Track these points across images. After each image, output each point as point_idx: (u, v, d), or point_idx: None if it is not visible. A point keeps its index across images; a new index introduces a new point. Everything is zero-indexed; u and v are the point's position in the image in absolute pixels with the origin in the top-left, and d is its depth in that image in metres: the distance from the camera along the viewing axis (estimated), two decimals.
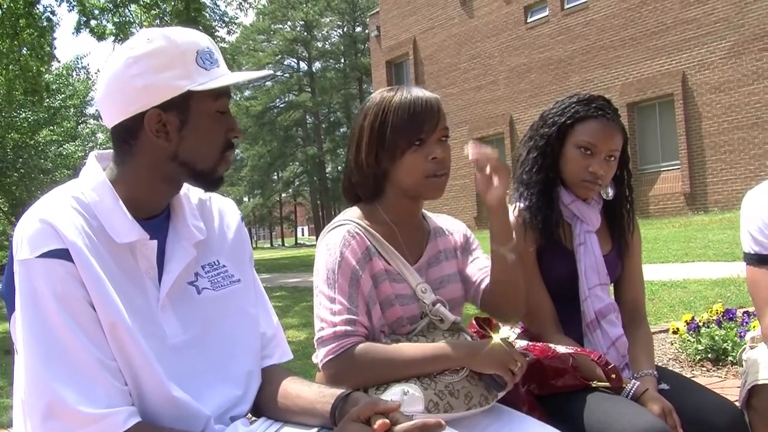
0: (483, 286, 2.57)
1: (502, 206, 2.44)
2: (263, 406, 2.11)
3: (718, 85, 23.27)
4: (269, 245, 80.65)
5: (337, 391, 1.95)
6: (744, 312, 5.91)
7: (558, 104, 3.05)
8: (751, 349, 3.06)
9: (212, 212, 2.17)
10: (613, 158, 2.95)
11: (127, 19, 22.61)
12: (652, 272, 10.72)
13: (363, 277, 2.36)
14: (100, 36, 22.37)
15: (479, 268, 2.62)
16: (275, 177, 72.25)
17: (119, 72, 1.91)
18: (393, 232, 2.49)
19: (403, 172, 2.44)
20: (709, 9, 23.43)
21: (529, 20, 29.70)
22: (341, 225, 2.45)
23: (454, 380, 2.25)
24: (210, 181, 2.03)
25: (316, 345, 2.33)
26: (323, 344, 2.30)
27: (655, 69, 24.93)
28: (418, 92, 2.47)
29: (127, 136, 1.94)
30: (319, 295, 2.37)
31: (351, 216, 2.50)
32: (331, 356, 2.27)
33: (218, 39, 25.82)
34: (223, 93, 1.98)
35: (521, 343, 2.68)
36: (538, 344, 2.67)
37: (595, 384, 2.66)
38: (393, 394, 2.15)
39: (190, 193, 2.13)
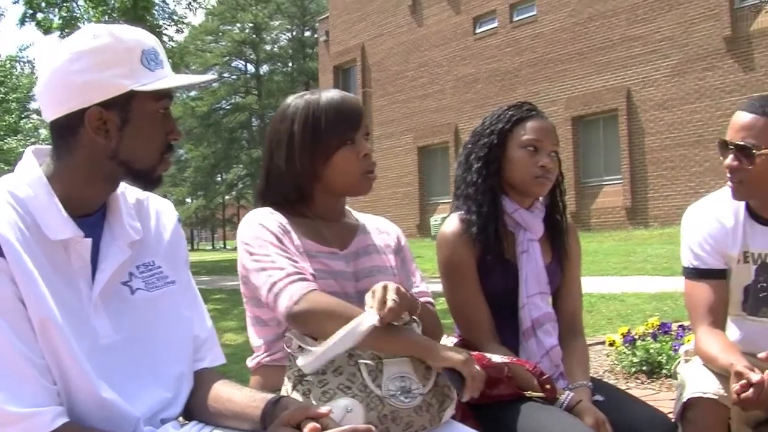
0: None
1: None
2: (194, 409, 2.08)
3: (661, 102, 23.60)
4: (211, 247, 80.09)
5: (268, 396, 1.94)
6: (679, 326, 6.01)
7: (488, 118, 3.09)
8: (686, 362, 3.10)
9: (149, 212, 2.15)
10: (554, 154, 2.99)
11: (75, 14, 22.45)
12: (591, 284, 10.83)
13: (287, 240, 2.40)
14: (47, 30, 22.21)
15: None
16: (219, 179, 71.74)
17: (62, 66, 1.89)
18: (316, 224, 2.53)
19: (337, 172, 2.50)
20: (655, 27, 23.76)
21: (477, 31, 29.87)
22: (261, 209, 2.53)
23: (402, 407, 2.19)
24: (149, 181, 2.02)
25: (272, 300, 2.28)
26: (281, 292, 2.26)
27: (600, 84, 25.20)
28: (342, 93, 2.57)
29: (66, 132, 1.92)
30: (255, 263, 2.36)
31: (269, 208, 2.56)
32: (291, 300, 2.23)
33: (166, 38, 25.67)
34: (165, 94, 1.97)
35: None
36: (474, 353, 2.66)
37: (529, 394, 2.67)
38: (336, 407, 2.12)
39: (128, 192, 2.10)
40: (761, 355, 2.55)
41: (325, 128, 2.47)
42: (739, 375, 2.53)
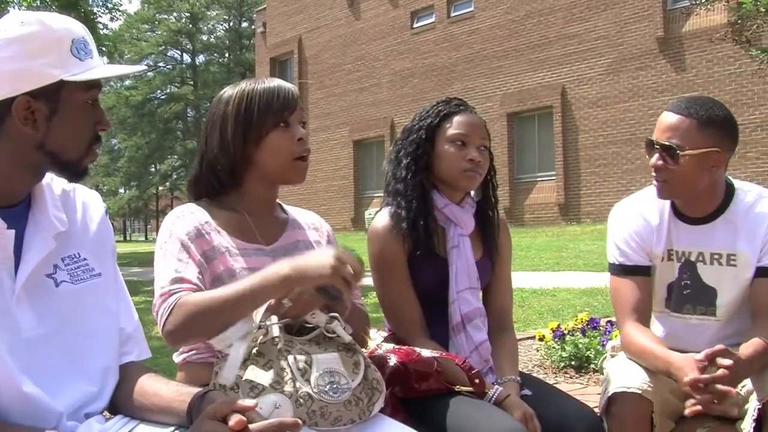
0: None
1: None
2: (120, 403, 2.05)
3: (595, 100, 23.88)
4: (144, 238, 79.28)
5: (195, 390, 1.92)
6: (607, 321, 6.06)
7: (418, 114, 3.12)
8: (612, 357, 3.15)
9: (75, 204, 2.11)
10: (484, 148, 3.01)
11: None
12: (523, 279, 10.93)
13: (194, 246, 2.37)
14: None
15: None
16: (153, 169, 70.98)
17: None
18: (244, 219, 2.51)
19: (269, 154, 2.48)
20: (590, 26, 24.04)
21: (415, 25, 29.95)
22: (184, 206, 2.52)
23: (332, 402, 2.18)
24: (75, 172, 1.99)
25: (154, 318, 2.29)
26: (156, 314, 2.25)
27: (536, 81, 25.42)
28: (278, 80, 2.57)
29: None
30: (155, 266, 2.37)
31: (196, 203, 2.55)
32: (162, 320, 2.22)
33: (101, 25, 25.26)
34: (94, 85, 1.95)
35: (386, 347, 2.70)
36: (403, 347, 2.68)
37: (458, 388, 2.68)
38: (265, 403, 2.11)
39: (54, 183, 2.06)
40: (699, 356, 2.59)
41: (259, 109, 2.47)
42: (708, 357, 2.57)
